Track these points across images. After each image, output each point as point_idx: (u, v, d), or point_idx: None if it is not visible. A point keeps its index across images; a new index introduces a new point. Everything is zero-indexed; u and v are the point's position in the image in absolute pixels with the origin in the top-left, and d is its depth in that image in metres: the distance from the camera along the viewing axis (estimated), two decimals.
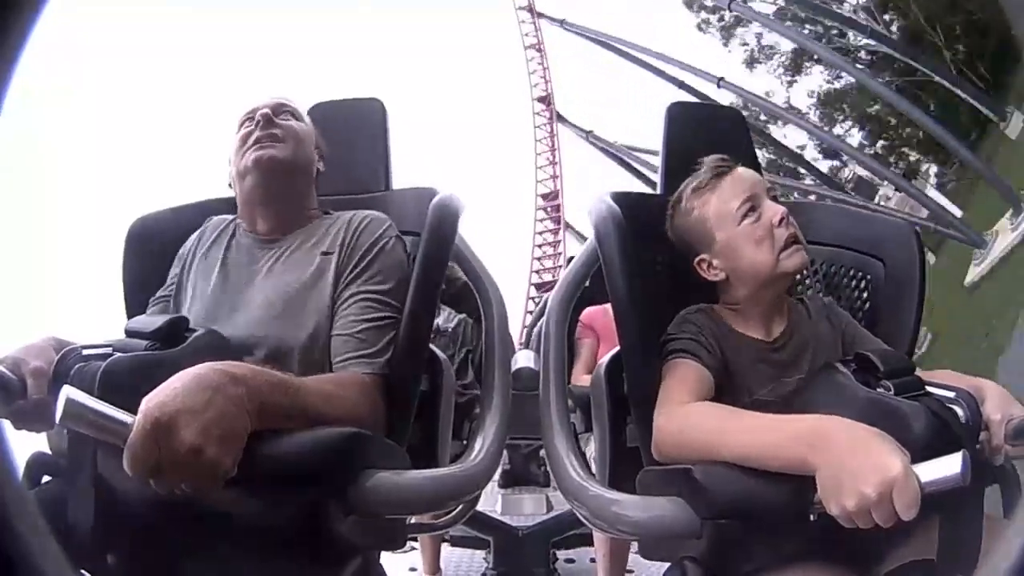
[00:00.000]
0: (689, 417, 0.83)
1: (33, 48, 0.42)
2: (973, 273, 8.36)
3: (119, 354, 0.75)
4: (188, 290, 1.05)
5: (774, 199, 0.98)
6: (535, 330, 2.22)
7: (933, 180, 13.73)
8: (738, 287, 0.98)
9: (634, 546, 1.70)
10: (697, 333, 0.93)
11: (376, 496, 0.78)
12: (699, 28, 16.45)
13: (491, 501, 2.63)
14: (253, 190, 1.06)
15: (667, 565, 0.85)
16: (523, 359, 1.85)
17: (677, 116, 1.23)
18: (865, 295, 1.12)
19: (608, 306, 1.72)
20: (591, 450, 1.33)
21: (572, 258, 1.25)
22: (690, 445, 0.80)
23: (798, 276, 1.10)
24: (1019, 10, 0.57)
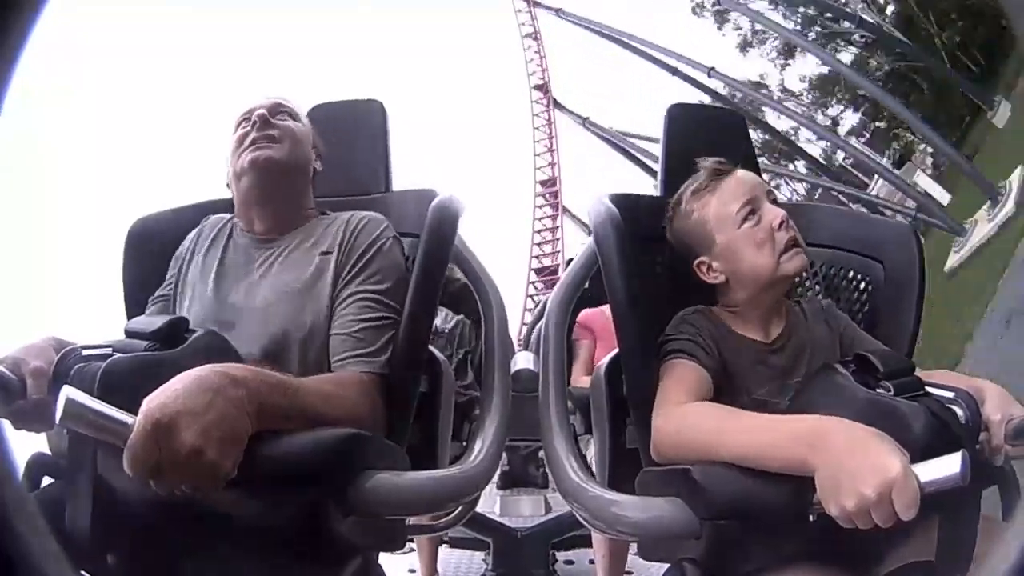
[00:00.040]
0: (687, 417, 0.83)
1: (33, 48, 0.43)
2: (953, 260, 8.52)
3: (119, 354, 0.75)
4: (186, 290, 1.05)
5: (774, 202, 0.98)
6: (534, 332, 2.22)
7: (930, 160, 13.84)
8: (738, 290, 0.98)
9: (633, 547, 1.70)
10: (695, 334, 0.93)
11: (376, 497, 0.78)
12: (693, 12, 16.65)
13: (490, 502, 2.62)
14: (250, 191, 1.06)
15: (666, 566, 0.85)
16: (522, 361, 1.84)
17: (677, 118, 1.23)
18: (864, 297, 1.12)
19: (605, 307, 1.73)
20: (591, 452, 1.33)
21: (571, 260, 1.25)
22: (689, 445, 0.80)
23: (797, 279, 1.10)
24: (1019, 10, 0.57)
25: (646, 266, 1.07)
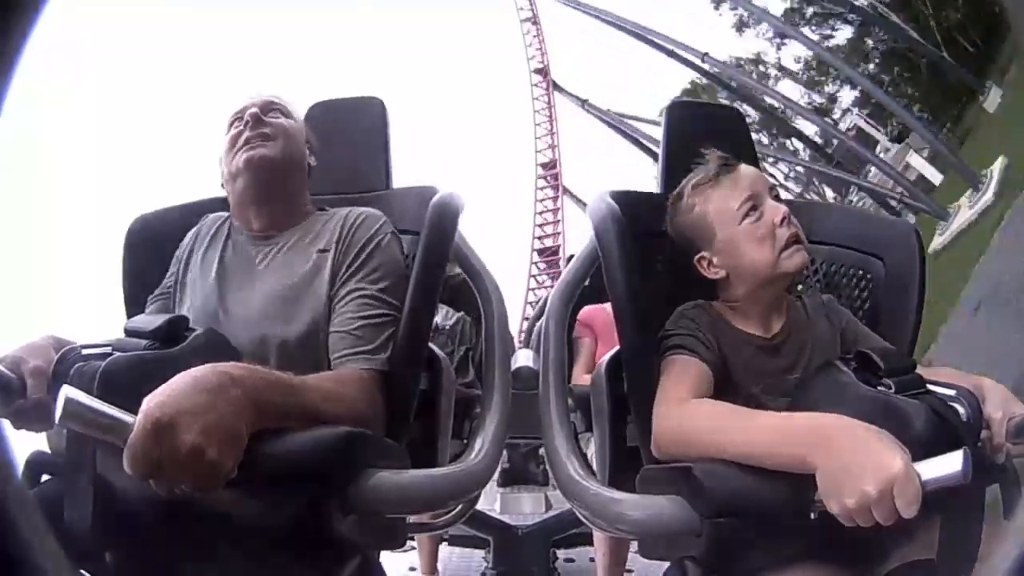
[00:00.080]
0: (688, 415, 0.83)
1: (33, 48, 0.42)
2: (936, 242, 8.78)
3: (119, 353, 0.75)
4: (186, 288, 1.05)
5: (776, 198, 0.98)
6: (535, 329, 2.22)
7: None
8: (738, 285, 0.98)
9: (634, 545, 1.70)
10: (695, 329, 0.93)
11: (376, 495, 0.78)
12: None
13: (490, 500, 2.63)
14: (246, 190, 1.06)
15: (667, 564, 0.85)
16: (523, 358, 1.85)
17: (677, 115, 1.23)
18: (865, 294, 1.11)
19: (606, 305, 1.73)
20: (591, 449, 1.33)
21: (572, 257, 1.25)
22: (689, 443, 0.80)
23: (798, 275, 1.10)
24: (1019, 8, 0.57)
25: (647, 262, 1.06)
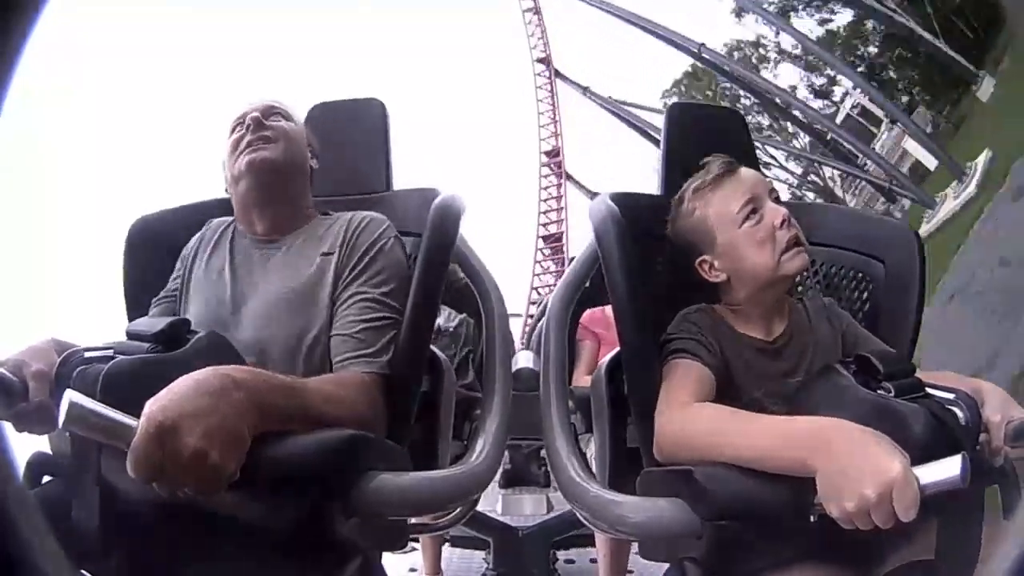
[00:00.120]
0: (690, 418, 0.83)
1: (33, 48, 0.42)
2: (922, 231, 8.87)
3: (121, 357, 0.75)
4: (191, 292, 1.05)
5: (776, 200, 0.98)
6: (536, 331, 2.22)
7: (929, 117, 14.10)
8: (739, 288, 0.98)
9: (635, 547, 1.70)
10: (697, 333, 0.93)
11: (378, 497, 0.78)
12: None
13: (491, 501, 2.62)
14: (248, 193, 1.06)
15: (667, 566, 0.85)
16: (523, 360, 1.85)
17: (676, 117, 1.23)
18: (865, 296, 1.12)
19: (608, 308, 1.73)
20: (591, 451, 1.33)
21: (573, 259, 1.25)
22: (691, 446, 0.80)
23: (799, 277, 1.10)
24: (1018, 7, 0.57)
25: (647, 264, 1.06)
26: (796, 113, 14.38)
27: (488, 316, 1.21)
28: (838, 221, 1.19)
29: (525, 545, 2.20)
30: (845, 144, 12.40)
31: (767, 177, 1.05)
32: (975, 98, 11.46)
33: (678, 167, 1.10)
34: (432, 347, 1.10)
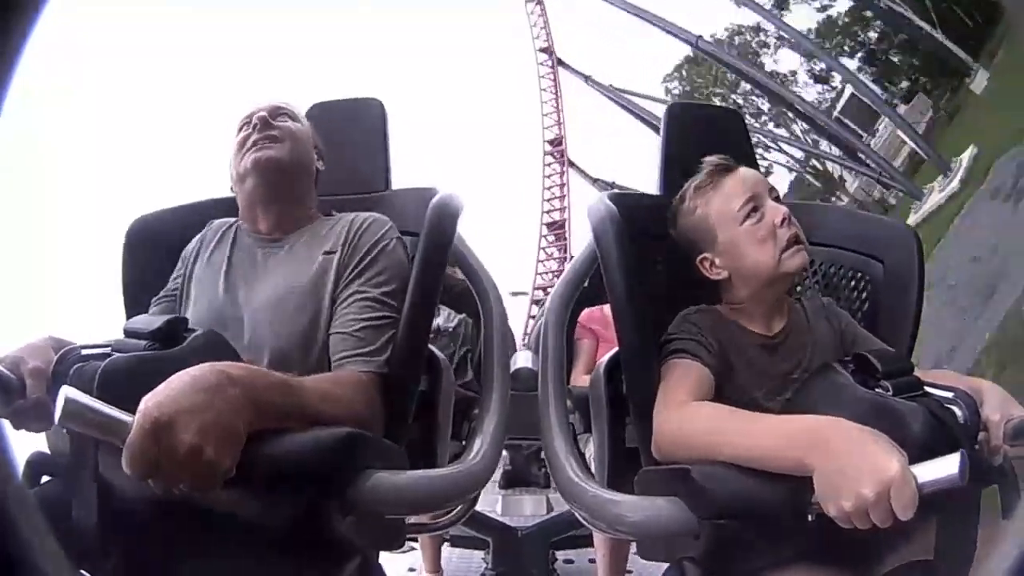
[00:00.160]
0: (688, 417, 0.83)
1: (33, 48, 0.42)
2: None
3: (118, 354, 0.75)
4: (192, 291, 1.05)
5: (776, 199, 0.99)
6: (535, 331, 2.22)
7: (929, 103, 14.20)
8: (740, 287, 0.98)
9: (634, 547, 1.70)
10: (697, 333, 0.93)
11: (375, 496, 0.78)
12: None
13: (491, 501, 2.63)
14: (254, 191, 1.07)
15: (666, 566, 0.85)
16: (522, 359, 1.85)
17: (676, 117, 1.23)
18: (864, 295, 1.12)
19: (607, 307, 1.73)
20: (590, 450, 1.33)
21: (572, 257, 1.25)
22: (689, 445, 0.80)
23: (798, 277, 1.10)
24: (1018, 7, 0.57)
25: (646, 264, 1.06)
26: (797, 97, 14.45)
27: (486, 315, 1.21)
28: (837, 221, 1.19)
29: (524, 545, 2.20)
30: (840, 135, 12.47)
31: (767, 162, 1.05)
32: (968, 91, 11.50)
33: (677, 167, 1.10)
34: (431, 346, 1.10)
